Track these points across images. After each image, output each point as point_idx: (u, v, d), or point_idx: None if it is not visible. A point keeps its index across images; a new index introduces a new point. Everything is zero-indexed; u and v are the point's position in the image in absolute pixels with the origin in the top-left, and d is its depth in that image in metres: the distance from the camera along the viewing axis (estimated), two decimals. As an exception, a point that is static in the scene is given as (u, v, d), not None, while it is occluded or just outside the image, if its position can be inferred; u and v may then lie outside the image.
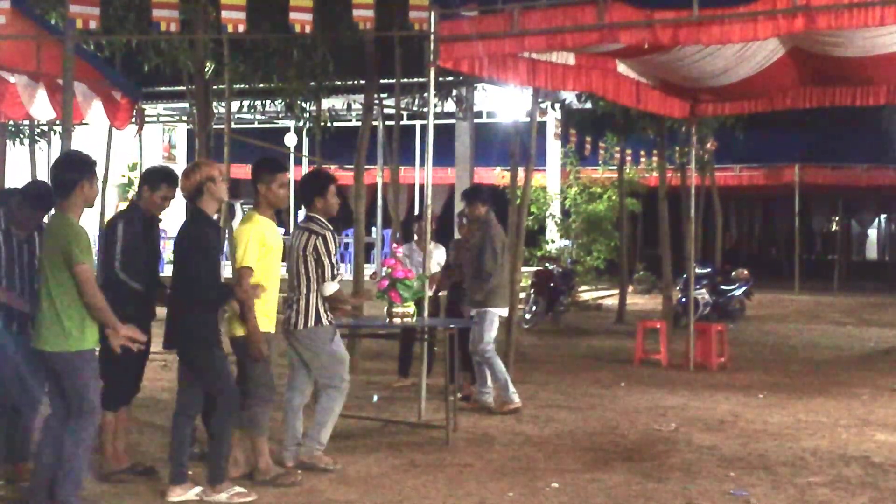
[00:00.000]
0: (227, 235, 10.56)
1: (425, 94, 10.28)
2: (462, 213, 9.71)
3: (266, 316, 6.46)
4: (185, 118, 22.56)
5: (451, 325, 8.43)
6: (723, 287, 16.91)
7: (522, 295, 15.61)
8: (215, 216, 6.51)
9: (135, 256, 6.44)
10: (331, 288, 6.79)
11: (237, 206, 20.08)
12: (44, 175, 14.29)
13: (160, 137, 24.05)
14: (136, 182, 7.87)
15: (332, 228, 6.88)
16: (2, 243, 6.15)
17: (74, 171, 5.67)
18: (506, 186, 17.20)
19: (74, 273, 5.49)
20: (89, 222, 6.66)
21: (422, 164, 19.83)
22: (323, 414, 6.87)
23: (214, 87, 14.19)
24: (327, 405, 6.85)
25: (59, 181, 5.71)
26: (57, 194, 5.71)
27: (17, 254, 6.19)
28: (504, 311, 9.29)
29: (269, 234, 6.52)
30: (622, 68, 10.50)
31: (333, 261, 6.80)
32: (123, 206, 19.73)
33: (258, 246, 6.42)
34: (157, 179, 6.69)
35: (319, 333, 6.78)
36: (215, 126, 14.64)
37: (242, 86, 14.97)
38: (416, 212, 15.80)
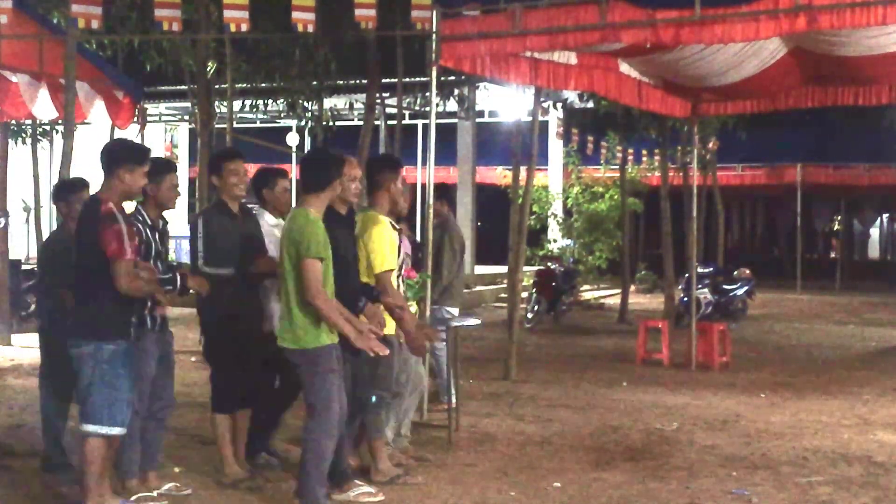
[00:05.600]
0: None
1: (427, 94, 10.31)
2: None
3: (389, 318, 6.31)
4: (187, 117, 22.59)
5: (454, 325, 8.42)
6: (725, 286, 16.89)
7: (524, 294, 15.61)
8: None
9: (220, 248, 6.26)
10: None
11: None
12: (45, 175, 14.33)
13: (162, 137, 24.07)
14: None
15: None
16: (150, 237, 5.93)
17: (331, 169, 5.71)
18: (508, 186, 17.19)
19: (300, 266, 5.47)
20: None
21: (423, 163, 19.84)
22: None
23: (216, 86, 14.23)
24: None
25: (309, 176, 5.70)
26: (305, 189, 5.69)
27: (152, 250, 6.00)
28: (454, 311, 9.03)
29: (394, 234, 6.39)
30: (624, 68, 10.50)
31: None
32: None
33: (391, 248, 6.28)
34: (217, 166, 6.57)
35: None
36: (217, 125, 14.67)
37: (244, 85, 14.99)
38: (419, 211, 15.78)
